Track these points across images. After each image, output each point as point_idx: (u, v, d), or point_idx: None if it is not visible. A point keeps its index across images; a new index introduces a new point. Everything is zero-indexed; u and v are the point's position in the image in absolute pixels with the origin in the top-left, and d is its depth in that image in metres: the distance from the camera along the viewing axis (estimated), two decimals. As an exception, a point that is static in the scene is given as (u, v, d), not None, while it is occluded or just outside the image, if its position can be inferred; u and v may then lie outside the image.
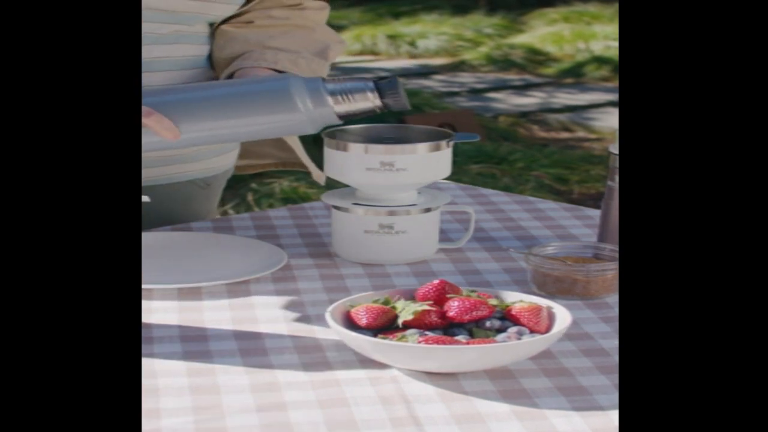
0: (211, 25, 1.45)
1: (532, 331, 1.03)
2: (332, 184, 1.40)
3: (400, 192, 1.29)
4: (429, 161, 1.27)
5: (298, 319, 1.13)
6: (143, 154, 1.38)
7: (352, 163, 1.27)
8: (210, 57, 1.45)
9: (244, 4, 1.44)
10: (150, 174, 1.44)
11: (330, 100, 1.19)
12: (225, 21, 1.45)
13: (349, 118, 1.22)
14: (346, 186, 1.33)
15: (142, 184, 1.45)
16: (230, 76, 1.37)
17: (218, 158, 1.51)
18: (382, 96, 1.19)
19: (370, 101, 1.19)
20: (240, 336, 1.09)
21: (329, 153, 1.29)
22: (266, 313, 1.15)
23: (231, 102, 1.20)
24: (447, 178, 1.38)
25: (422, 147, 1.27)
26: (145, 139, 1.22)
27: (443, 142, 1.29)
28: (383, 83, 1.19)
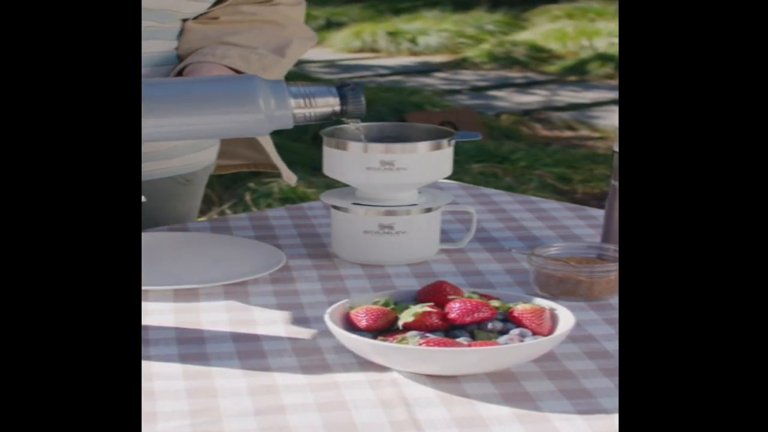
0: (184, 21, 1.44)
1: (535, 333, 1.02)
2: (304, 184, 1.41)
3: (400, 192, 1.28)
4: (430, 160, 1.26)
5: (297, 321, 1.12)
6: None
7: (352, 162, 1.26)
8: None
9: (216, 3, 1.44)
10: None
11: (292, 103, 1.20)
12: (195, 18, 1.44)
13: (304, 123, 1.22)
14: (346, 186, 1.32)
15: None
16: (180, 72, 1.37)
17: (197, 154, 1.50)
18: (343, 103, 1.21)
19: (330, 107, 1.20)
20: (237, 338, 1.08)
21: (328, 152, 1.28)
22: (264, 315, 1.14)
23: (193, 100, 1.20)
24: (448, 178, 1.37)
25: (423, 146, 1.26)
26: None
27: (444, 141, 1.27)
28: (347, 90, 1.21)
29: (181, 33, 1.43)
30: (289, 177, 1.52)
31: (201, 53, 1.36)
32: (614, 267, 1.18)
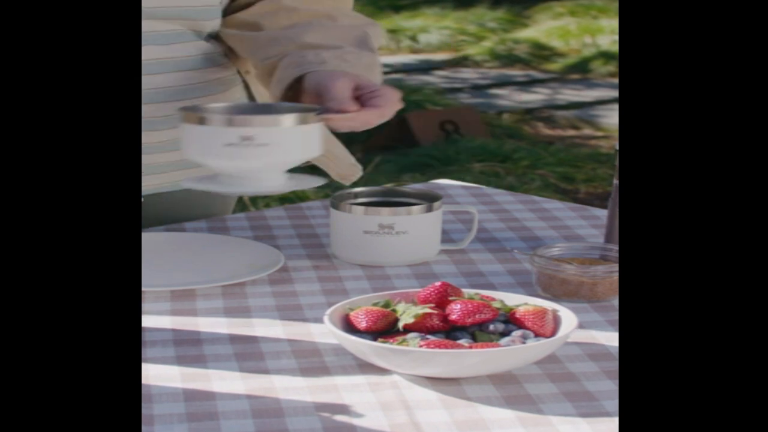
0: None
1: (537, 335, 1.01)
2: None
3: (264, 174, 1.15)
4: (295, 136, 1.13)
5: (296, 323, 1.11)
6: (163, 159, 1.36)
7: (210, 139, 1.13)
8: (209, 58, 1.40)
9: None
10: (166, 180, 1.41)
11: None
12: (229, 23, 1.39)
13: None
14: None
15: (158, 191, 1.42)
16: (291, 90, 1.28)
17: None
18: None
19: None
20: (235, 340, 1.07)
21: (186, 129, 1.15)
22: (262, 316, 1.13)
23: None
24: (449, 177, 1.36)
25: (287, 119, 1.13)
26: None
27: (310, 114, 1.16)
28: None
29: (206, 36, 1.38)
30: (342, 175, 1.41)
31: (292, 63, 1.27)
32: (617, 268, 1.17)
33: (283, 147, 1.14)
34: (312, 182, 1.19)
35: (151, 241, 1.33)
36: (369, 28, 1.37)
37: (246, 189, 1.17)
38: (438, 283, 1.04)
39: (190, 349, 1.05)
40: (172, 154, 1.40)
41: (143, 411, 0.92)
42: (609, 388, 0.96)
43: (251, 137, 1.10)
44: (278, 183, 1.17)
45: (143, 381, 0.97)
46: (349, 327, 1.02)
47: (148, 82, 1.35)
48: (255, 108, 1.25)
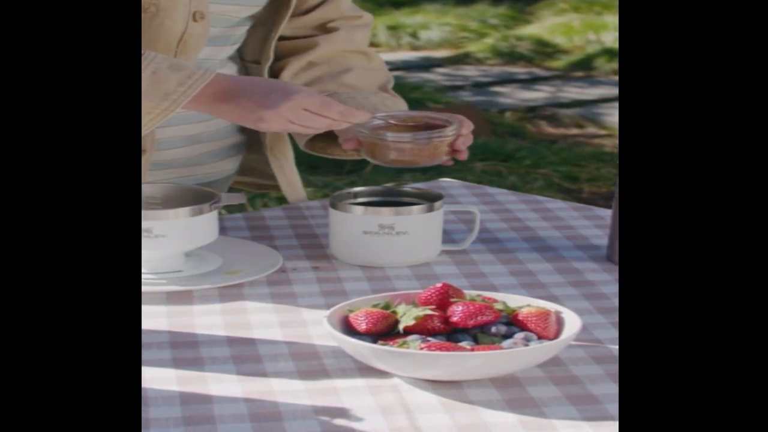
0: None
1: (540, 337, 1.01)
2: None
3: (162, 259, 1.22)
4: (190, 227, 1.21)
5: (294, 325, 1.11)
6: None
7: None
8: None
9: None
10: (151, 179, 1.41)
11: None
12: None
13: None
14: None
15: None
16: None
17: (222, 162, 1.48)
18: None
19: None
20: (233, 342, 1.06)
21: None
22: (260, 318, 1.12)
23: None
24: (451, 176, 1.36)
25: (182, 212, 1.20)
26: None
27: (205, 206, 1.22)
28: None
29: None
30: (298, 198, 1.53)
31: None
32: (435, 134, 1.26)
33: (179, 237, 1.21)
34: (213, 262, 1.26)
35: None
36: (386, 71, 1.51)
37: (145, 269, 1.23)
38: (439, 285, 1.04)
39: (186, 351, 1.04)
40: (178, 151, 1.43)
41: (139, 415, 0.91)
42: (613, 391, 0.96)
43: (150, 229, 1.20)
44: (177, 264, 1.24)
45: (139, 384, 0.97)
46: (349, 329, 1.01)
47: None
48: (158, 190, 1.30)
